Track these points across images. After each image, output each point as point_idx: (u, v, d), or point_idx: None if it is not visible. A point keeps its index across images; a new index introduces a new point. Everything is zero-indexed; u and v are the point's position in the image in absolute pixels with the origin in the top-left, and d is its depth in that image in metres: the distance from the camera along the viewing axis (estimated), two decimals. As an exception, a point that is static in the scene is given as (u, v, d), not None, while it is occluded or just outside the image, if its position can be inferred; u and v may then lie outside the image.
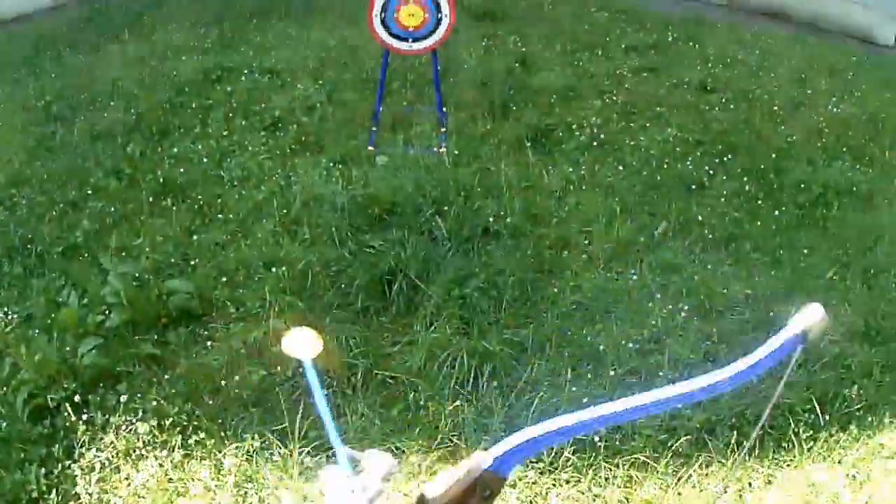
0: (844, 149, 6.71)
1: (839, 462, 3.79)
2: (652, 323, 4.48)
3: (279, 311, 4.37)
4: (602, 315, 4.54)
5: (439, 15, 6.05)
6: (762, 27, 9.72)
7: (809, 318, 1.01)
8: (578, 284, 4.77)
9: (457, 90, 7.13)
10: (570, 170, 5.93)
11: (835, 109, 7.40)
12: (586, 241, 5.16)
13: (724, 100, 7.33)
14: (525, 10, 9.50)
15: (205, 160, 6.16)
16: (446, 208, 5.19)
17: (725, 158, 6.22)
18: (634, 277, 4.85)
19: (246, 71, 7.74)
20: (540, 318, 4.46)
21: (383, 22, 6.06)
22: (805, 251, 5.23)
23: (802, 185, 5.98)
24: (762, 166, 6.16)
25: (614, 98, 7.21)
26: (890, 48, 9.99)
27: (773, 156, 6.33)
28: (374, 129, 6.39)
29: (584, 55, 8.16)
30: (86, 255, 5.09)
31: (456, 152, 5.89)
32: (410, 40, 6.09)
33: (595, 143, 6.32)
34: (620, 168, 5.98)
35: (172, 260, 4.96)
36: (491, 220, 5.17)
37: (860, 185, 6.09)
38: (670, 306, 4.62)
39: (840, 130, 6.99)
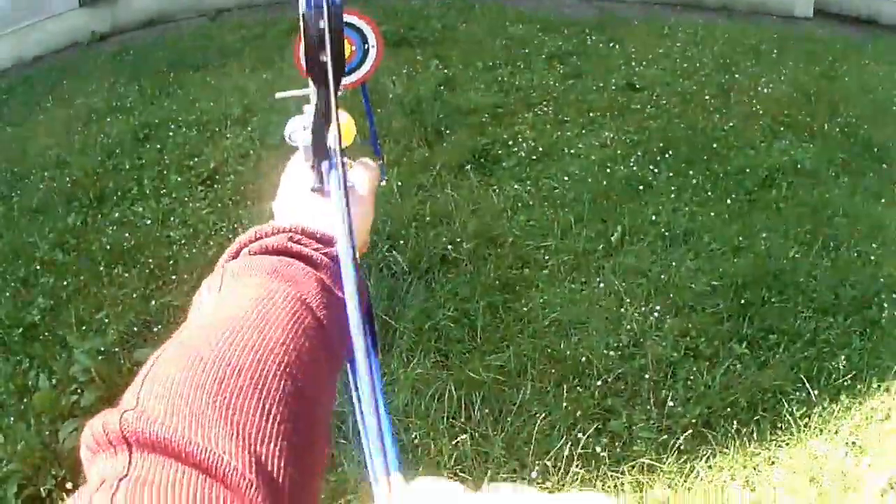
0: (782, 128, 7.06)
1: (836, 432, 4.00)
2: (627, 328, 4.64)
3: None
4: (577, 327, 4.70)
5: (366, 46, 6.15)
6: (678, 18, 10.11)
7: None
8: (547, 300, 4.91)
9: (387, 120, 7.26)
10: (516, 186, 6.08)
11: (766, 90, 7.77)
12: (545, 257, 5.31)
13: (654, 97, 7.62)
14: (440, 32, 9.70)
15: (148, 222, 6.22)
16: (401, 241, 5.32)
17: (667, 155, 6.47)
18: (601, 286, 5.01)
19: (173, 126, 7.82)
20: (516, 340, 4.58)
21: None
22: (763, 235, 5.47)
23: (748, 170, 6.27)
24: (704, 157, 6.43)
25: (545, 109, 7.42)
26: (809, 20, 10.43)
27: (714, 146, 6.61)
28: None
29: (506, 70, 8.37)
30: (46, 333, 5.12)
31: (399, 183, 6.01)
32: (342, 75, 6.20)
33: (534, 157, 6.50)
34: (565, 179, 6.15)
35: (135, 329, 4.99)
36: (448, 247, 5.29)
37: (804, 161, 6.41)
38: (642, 308, 4.80)
39: (775, 110, 7.33)
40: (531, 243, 5.43)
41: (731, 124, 7.05)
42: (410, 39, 9.36)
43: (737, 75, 8.15)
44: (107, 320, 5.12)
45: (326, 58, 1.05)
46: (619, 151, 6.56)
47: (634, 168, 6.28)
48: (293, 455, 0.73)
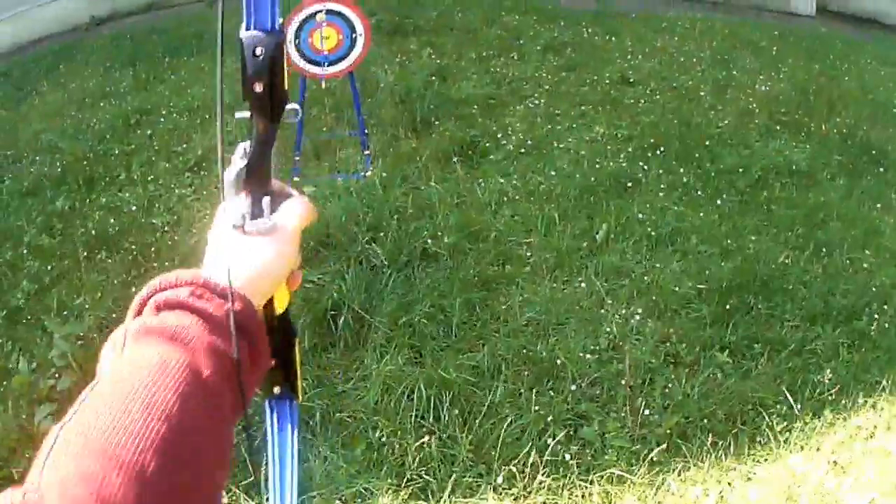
0: (778, 127, 6.88)
1: (818, 449, 3.85)
2: (606, 330, 4.49)
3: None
4: (554, 328, 4.54)
5: (354, 35, 6.02)
6: (677, 12, 9.96)
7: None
8: (526, 299, 4.75)
9: (376, 110, 7.09)
10: (502, 181, 5.90)
11: (763, 88, 7.59)
12: (528, 253, 5.14)
13: (648, 91, 7.46)
14: (435, 20, 9.53)
15: (133, 208, 6.15)
16: (381, 234, 5.16)
17: (658, 151, 6.29)
18: (582, 285, 4.85)
19: (164, 112, 7.74)
20: (492, 339, 4.42)
21: (297, 48, 6.04)
22: (753, 238, 5.31)
23: (741, 170, 6.09)
24: (696, 155, 6.26)
25: (536, 102, 7.25)
26: (811, 18, 10.29)
27: (707, 143, 6.43)
28: (297, 158, 6.34)
29: (499, 61, 8.21)
30: (29, 317, 5.11)
31: (384, 174, 5.86)
32: (326, 64, 6.06)
33: (522, 151, 6.33)
34: (552, 173, 5.97)
35: (114, 315, 4.87)
36: (428, 241, 5.13)
37: (799, 162, 6.24)
38: (623, 311, 4.64)
39: (772, 108, 7.17)
40: (514, 239, 5.27)
41: (726, 121, 6.89)
42: (405, 27, 9.19)
43: (734, 71, 7.98)
44: (87, 305, 5.11)
45: (260, 89, 1.09)
46: (609, 147, 6.39)
47: (624, 164, 6.11)
48: None
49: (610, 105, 7.16)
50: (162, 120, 7.59)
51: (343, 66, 6.11)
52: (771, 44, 8.92)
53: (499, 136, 6.56)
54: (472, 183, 5.90)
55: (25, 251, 5.80)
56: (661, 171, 6.04)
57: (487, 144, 6.46)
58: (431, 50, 8.50)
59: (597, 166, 6.07)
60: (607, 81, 7.64)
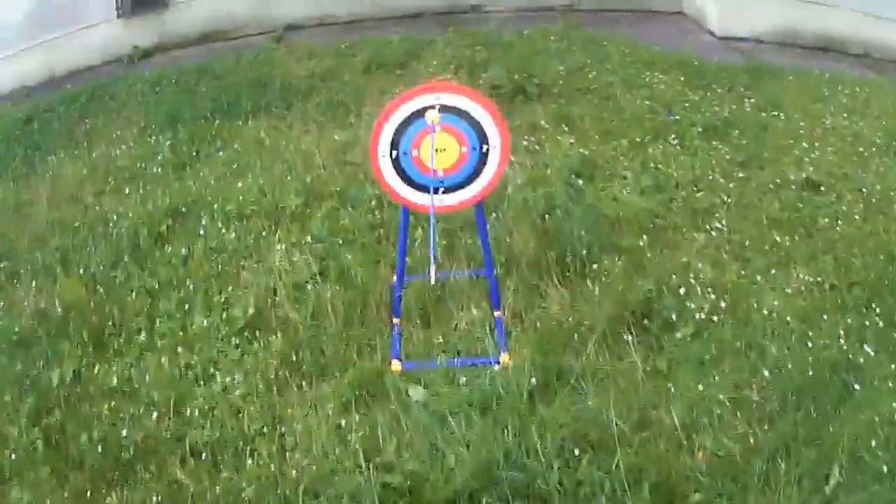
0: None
1: None
2: None
3: None
4: None
5: (484, 147, 4.25)
6: (823, 67, 9.02)
7: None
8: None
9: (504, 230, 5.52)
10: (698, 385, 4.27)
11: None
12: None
13: (840, 205, 6.01)
14: (564, 79, 8.07)
15: (156, 408, 4.46)
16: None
17: (875, 317, 4.71)
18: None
19: (205, 217, 6.13)
20: None
21: (396, 164, 4.24)
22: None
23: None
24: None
25: (718, 225, 5.74)
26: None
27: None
28: (395, 324, 4.72)
29: (657, 149, 6.76)
30: None
31: (533, 379, 4.23)
32: (440, 190, 4.31)
33: (714, 317, 4.76)
34: (764, 371, 4.34)
35: None
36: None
37: None
38: None
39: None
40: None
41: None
42: (527, 89, 7.65)
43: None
44: None
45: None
46: (822, 315, 4.78)
47: (843, 344, 4.51)
48: None
49: (803, 228, 5.70)
50: (202, 233, 5.99)
51: (466, 196, 4.37)
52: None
53: (679, 288, 4.98)
54: (656, 382, 4.33)
55: (13, 457, 4.19)
56: (880, 353, 4.44)
57: (672, 315, 4.80)
58: (567, 128, 7.02)
59: (809, 344, 4.51)
60: (792, 186, 6.21)
